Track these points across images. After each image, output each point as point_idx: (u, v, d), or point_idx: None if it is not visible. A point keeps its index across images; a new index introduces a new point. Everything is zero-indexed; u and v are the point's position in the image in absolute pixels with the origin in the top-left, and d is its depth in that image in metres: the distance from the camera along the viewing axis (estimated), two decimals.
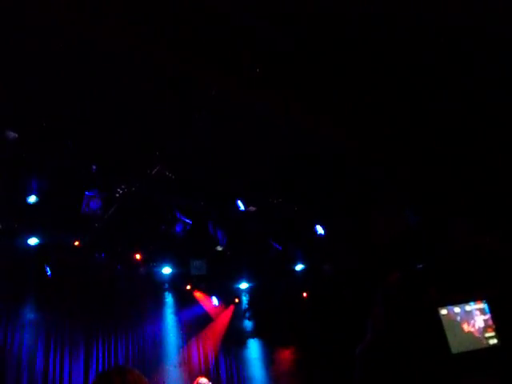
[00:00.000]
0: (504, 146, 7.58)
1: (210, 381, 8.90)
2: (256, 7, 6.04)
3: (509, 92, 6.83)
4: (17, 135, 7.94)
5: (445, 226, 8.17)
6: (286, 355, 13.08)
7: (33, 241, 9.50)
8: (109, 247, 10.81)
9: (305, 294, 12.92)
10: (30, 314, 10.15)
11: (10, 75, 6.82)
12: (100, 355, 10.98)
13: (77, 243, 10.18)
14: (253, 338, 13.00)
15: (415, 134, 7.77)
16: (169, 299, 12.23)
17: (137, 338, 11.64)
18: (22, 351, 9.88)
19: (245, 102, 7.59)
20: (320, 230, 10.63)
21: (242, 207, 9.94)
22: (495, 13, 5.77)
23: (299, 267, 11.67)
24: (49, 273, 10.21)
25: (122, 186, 9.27)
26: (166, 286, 12.07)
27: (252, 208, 10.21)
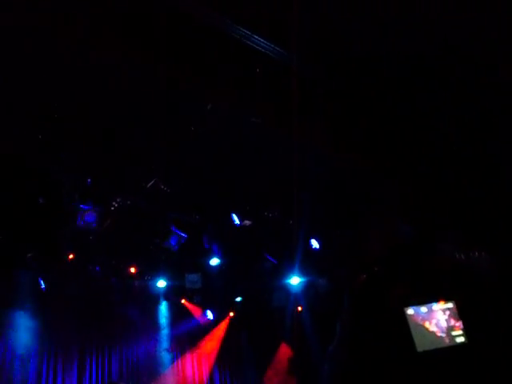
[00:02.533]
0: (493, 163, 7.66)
1: None
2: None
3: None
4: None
5: (434, 239, 8.20)
6: (280, 368, 13.05)
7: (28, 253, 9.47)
8: (103, 260, 10.79)
9: (299, 308, 12.90)
10: (23, 327, 10.11)
11: (6, 86, 6.84)
12: (94, 368, 10.93)
13: (71, 256, 10.16)
14: (247, 351, 12.96)
15: (408, 147, 7.81)
16: (163, 313, 12.20)
17: (131, 352, 11.60)
18: (14, 364, 9.84)
19: (240, 115, 7.61)
20: (315, 243, 10.63)
21: (237, 221, 9.94)
22: None
23: (295, 281, 11.65)
24: (43, 286, 10.19)
25: (118, 199, 9.27)
26: (161, 299, 12.03)
27: (247, 222, 10.20)
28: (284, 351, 13.14)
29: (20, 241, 9.38)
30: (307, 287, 11.91)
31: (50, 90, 6.70)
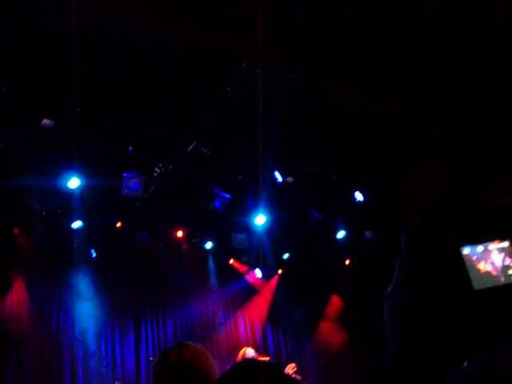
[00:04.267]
0: None
1: (257, 352, 8.94)
2: None
3: None
4: (53, 122, 8.04)
5: (483, 188, 8.05)
6: (330, 323, 13.14)
7: (76, 224, 9.64)
8: (150, 226, 10.93)
9: (347, 262, 12.90)
10: (77, 298, 10.35)
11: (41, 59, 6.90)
12: (150, 333, 11.18)
13: (119, 224, 10.33)
14: (298, 307, 13.04)
15: (454, 96, 7.63)
16: (213, 274, 12.33)
17: (184, 314, 11.80)
18: (74, 333, 10.12)
19: (277, 72, 7.55)
20: (359, 196, 10.56)
21: (279, 179, 9.92)
22: None
23: (341, 235, 11.63)
24: (94, 255, 10.39)
25: (160, 165, 9.34)
26: (210, 261, 12.15)
27: (290, 179, 10.18)
28: (335, 304, 13.21)
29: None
30: (354, 240, 11.88)
31: (85, 59, 6.71)
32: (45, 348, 9.71)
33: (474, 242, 1.16)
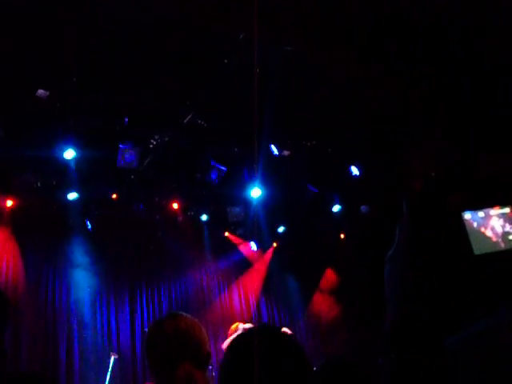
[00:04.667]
0: None
1: (252, 324, 8.97)
2: None
3: None
4: (48, 93, 7.99)
5: (480, 161, 8.05)
6: (326, 293, 13.25)
7: (72, 195, 9.63)
8: (146, 198, 10.93)
9: (342, 236, 12.97)
10: (73, 269, 10.38)
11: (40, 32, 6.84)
12: (144, 305, 11.23)
13: (115, 196, 10.32)
14: (292, 279, 13.14)
15: (451, 71, 7.60)
16: (208, 246, 12.37)
17: (179, 286, 11.86)
18: (70, 305, 10.17)
19: (273, 45, 7.49)
20: (355, 170, 10.57)
21: (275, 152, 9.91)
22: None
23: (336, 208, 11.67)
24: (89, 226, 10.40)
25: (156, 137, 9.31)
26: (205, 233, 12.18)
27: (286, 152, 10.17)
28: (330, 277, 13.31)
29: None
30: (349, 213, 11.93)
31: (82, 31, 6.67)
32: (41, 317, 9.76)
33: (475, 207, 1.18)
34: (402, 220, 1.14)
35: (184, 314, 2.83)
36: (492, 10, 6.67)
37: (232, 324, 8.67)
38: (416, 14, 6.94)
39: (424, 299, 1.07)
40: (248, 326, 8.73)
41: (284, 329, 8.81)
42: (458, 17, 6.85)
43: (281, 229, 12.39)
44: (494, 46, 7.17)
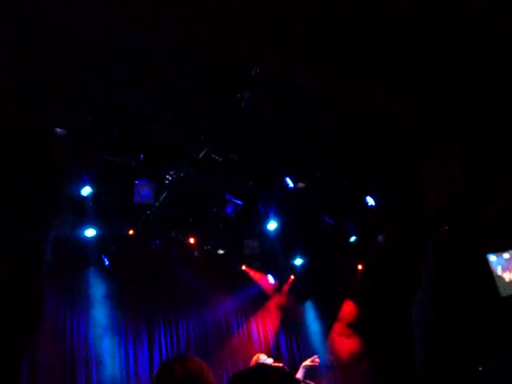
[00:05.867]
0: None
1: (271, 358, 8.91)
2: None
3: None
4: (65, 131, 8.09)
5: (495, 189, 8.02)
6: (344, 328, 13.12)
7: (90, 232, 9.67)
8: (162, 234, 10.95)
9: (360, 267, 12.90)
10: (90, 304, 10.37)
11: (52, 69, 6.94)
12: (163, 341, 11.17)
13: (131, 232, 10.35)
14: (311, 311, 13.05)
15: (466, 97, 7.62)
16: (225, 280, 12.34)
17: (197, 321, 11.80)
18: (88, 341, 10.14)
19: (286, 77, 7.56)
20: (371, 201, 10.55)
21: (290, 184, 9.93)
22: None
23: (352, 239, 11.63)
24: (106, 262, 10.42)
25: (171, 172, 9.37)
26: (222, 267, 12.15)
27: (301, 184, 10.19)
28: (348, 308, 13.20)
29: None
30: (365, 244, 11.88)
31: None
32: (58, 353, 9.72)
33: (500, 249, 1.18)
34: (427, 263, 1.14)
35: (192, 356, 2.83)
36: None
37: (252, 357, 8.62)
38: (426, 40, 6.98)
39: (453, 341, 1.07)
40: (266, 359, 8.67)
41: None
42: (468, 43, 6.89)
43: (298, 261, 12.34)
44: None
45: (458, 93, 7.52)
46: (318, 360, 8.78)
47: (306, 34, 6.73)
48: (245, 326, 12.55)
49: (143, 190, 9.11)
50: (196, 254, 11.58)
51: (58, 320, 10.00)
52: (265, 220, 10.51)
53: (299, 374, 8.58)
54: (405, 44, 6.84)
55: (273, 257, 11.95)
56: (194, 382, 2.63)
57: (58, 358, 9.68)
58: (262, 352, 11.48)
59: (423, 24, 6.57)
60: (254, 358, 8.51)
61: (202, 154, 9.05)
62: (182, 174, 9.39)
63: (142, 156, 8.95)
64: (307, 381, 8.62)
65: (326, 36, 6.74)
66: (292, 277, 12.96)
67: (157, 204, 9.57)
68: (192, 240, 11.11)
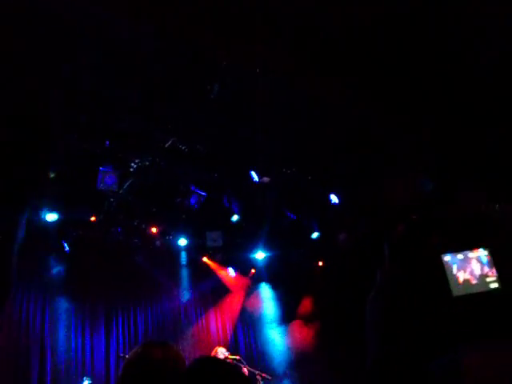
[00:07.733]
0: None
1: (228, 351, 8.96)
2: None
3: None
4: None
5: (457, 192, 8.15)
6: (302, 322, 13.21)
7: (51, 217, 9.55)
8: (125, 221, 10.89)
9: (320, 263, 12.99)
10: (50, 290, 10.28)
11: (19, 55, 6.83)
12: (120, 328, 11.14)
13: (93, 218, 10.26)
14: (270, 306, 13.12)
15: (431, 99, 7.70)
16: (186, 271, 12.32)
17: (155, 310, 11.78)
18: (44, 326, 10.04)
19: (256, 71, 7.55)
20: (334, 198, 10.63)
21: (255, 178, 9.94)
22: None
23: (315, 235, 11.70)
24: (67, 248, 10.32)
25: (136, 161, 9.31)
26: (183, 258, 12.14)
27: (266, 179, 10.21)
28: (307, 304, 13.28)
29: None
30: (327, 241, 11.97)
31: (66, 52, 6.68)
32: (13, 340, 9.62)
33: (455, 250, 1.22)
34: (382, 262, 1.17)
35: (172, 344, 2.80)
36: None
37: (209, 349, 8.66)
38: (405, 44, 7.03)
39: (403, 338, 1.10)
40: (225, 352, 8.71)
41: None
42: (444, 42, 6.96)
43: (259, 255, 12.38)
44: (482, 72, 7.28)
45: (421, 93, 7.60)
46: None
47: (276, 23, 6.72)
48: (204, 316, 12.57)
49: (107, 177, 9.04)
50: (158, 243, 11.55)
51: (14, 304, 9.88)
52: (228, 213, 10.51)
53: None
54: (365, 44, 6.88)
55: (234, 250, 11.97)
56: (172, 369, 2.59)
57: (12, 345, 9.58)
58: (219, 343, 11.54)
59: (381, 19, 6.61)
60: (213, 352, 8.55)
61: (168, 143, 9.01)
62: (147, 163, 9.34)
63: (107, 143, 8.87)
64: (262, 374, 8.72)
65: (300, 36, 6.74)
66: (253, 270, 13.00)
67: (120, 192, 9.49)
68: (154, 229, 11.07)
